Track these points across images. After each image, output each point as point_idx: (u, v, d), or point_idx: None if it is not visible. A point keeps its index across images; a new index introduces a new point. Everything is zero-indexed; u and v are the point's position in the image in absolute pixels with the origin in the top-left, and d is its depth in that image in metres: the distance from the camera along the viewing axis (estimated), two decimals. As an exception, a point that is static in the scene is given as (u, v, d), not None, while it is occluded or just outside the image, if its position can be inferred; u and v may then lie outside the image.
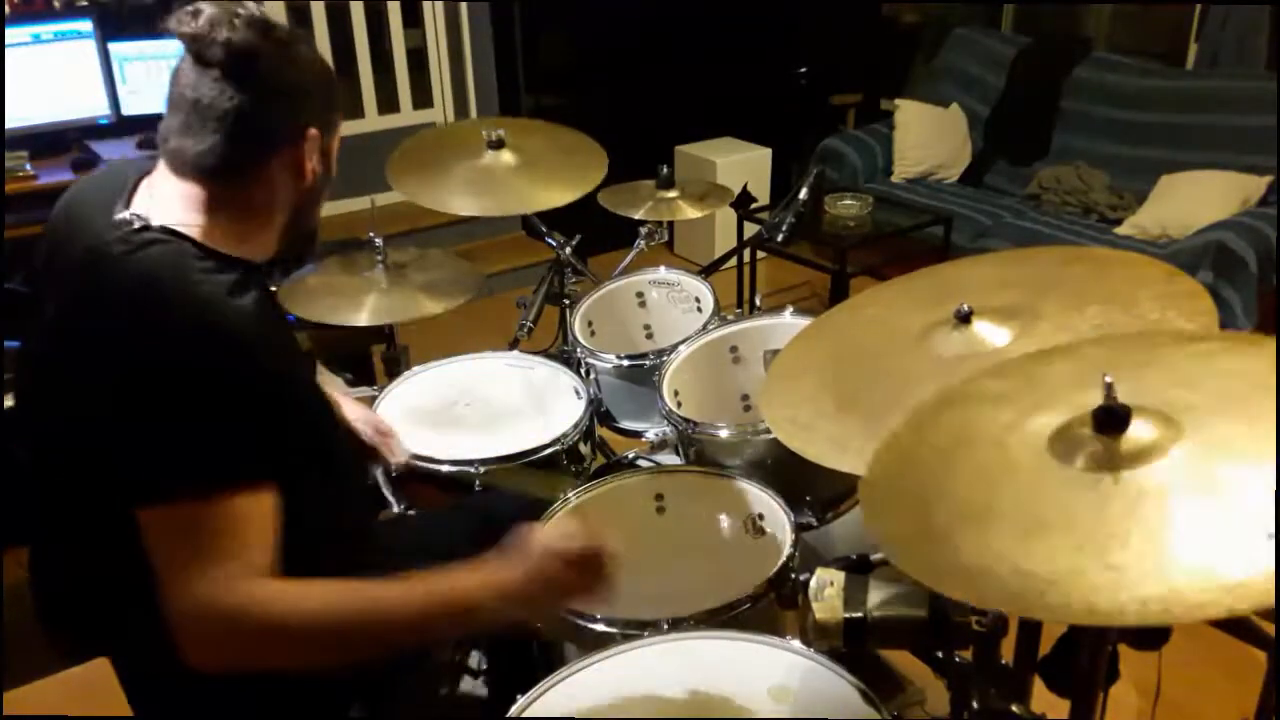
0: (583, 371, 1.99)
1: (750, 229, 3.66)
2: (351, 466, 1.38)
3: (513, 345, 2.14)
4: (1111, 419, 0.84)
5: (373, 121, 4.32)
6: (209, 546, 1.03)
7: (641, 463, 1.88)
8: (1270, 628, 1.43)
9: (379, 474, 1.74)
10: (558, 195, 2.00)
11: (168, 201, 1.16)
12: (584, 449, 1.82)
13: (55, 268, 1.20)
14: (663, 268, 2.24)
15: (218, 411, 1.06)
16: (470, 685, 1.78)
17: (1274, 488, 0.74)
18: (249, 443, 1.07)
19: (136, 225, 1.13)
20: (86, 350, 1.10)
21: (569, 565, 1.12)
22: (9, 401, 1.74)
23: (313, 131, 1.19)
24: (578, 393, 1.89)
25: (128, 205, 1.16)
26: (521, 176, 2.05)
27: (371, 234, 1.96)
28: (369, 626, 1.09)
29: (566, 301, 2.24)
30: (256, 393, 1.08)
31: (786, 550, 1.40)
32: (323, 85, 1.21)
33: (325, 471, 1.25)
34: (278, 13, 4.00)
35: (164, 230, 1.14)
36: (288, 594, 1.06)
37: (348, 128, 4.44)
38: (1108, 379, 0.84)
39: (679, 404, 1.81)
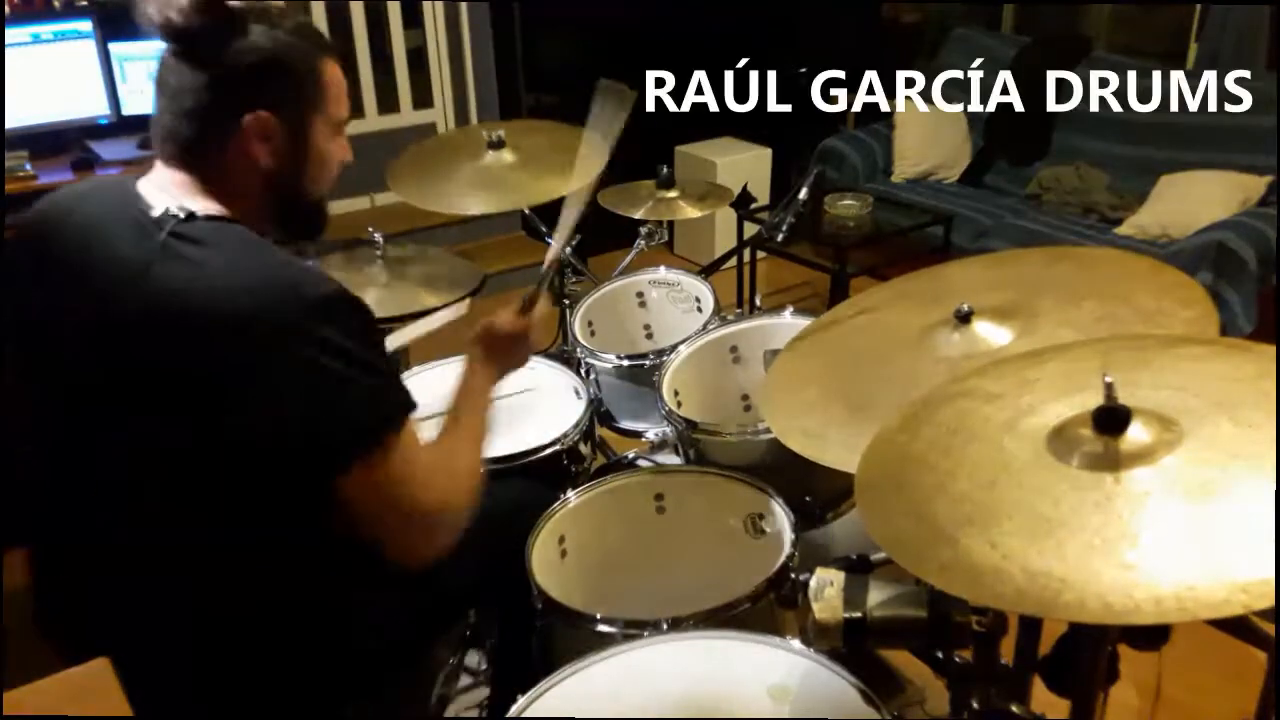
0: (583, 371, 1.99)
1: (750, 229, 3.65)
2: None
3: (513, 345, 2.14)
4: (1112, 419, 0.84)
5: (373, 121, 4.32)
6: (408, 482, 1.13)
7: (641, 463, 1.89)
8: (1270, 628, 1.43)
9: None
10: (559, 188, 2.00)
11: (178, 192, 1.15)
12: (584, 449, 1.82)
13: (68, 292, 1.16)
14: (663, 268, 2.24)
15: (366, 350, 1.11)
16: (470, 685, 1.78)
17: (1275, 489, 0.74)
18: (390, 370, 1.18)
19: (183, 215, 1.12)
20: (202, 339, 1.05)
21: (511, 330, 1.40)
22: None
23: (253, 117, 1.14)
24: (578, 393, 1.88)
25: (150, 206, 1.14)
26: (522, 172, 2.05)
27: (371, 228, 1.97)
28: (478, 446, 1.31)
29: (566, 301, 2.24)
30: (376, 330, 1.18)
31: (786, 550, 1.40)
32: (277, 67, 1.16)
33: None
34: (278, 13, 3.99)
35: (209, 218, 1.13)
36: (443, 465, 1.21)
37: (348, 127, 4.47)
38: (1108, 379, 0.84)
39: (679, 404, 1.81)
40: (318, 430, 1.08)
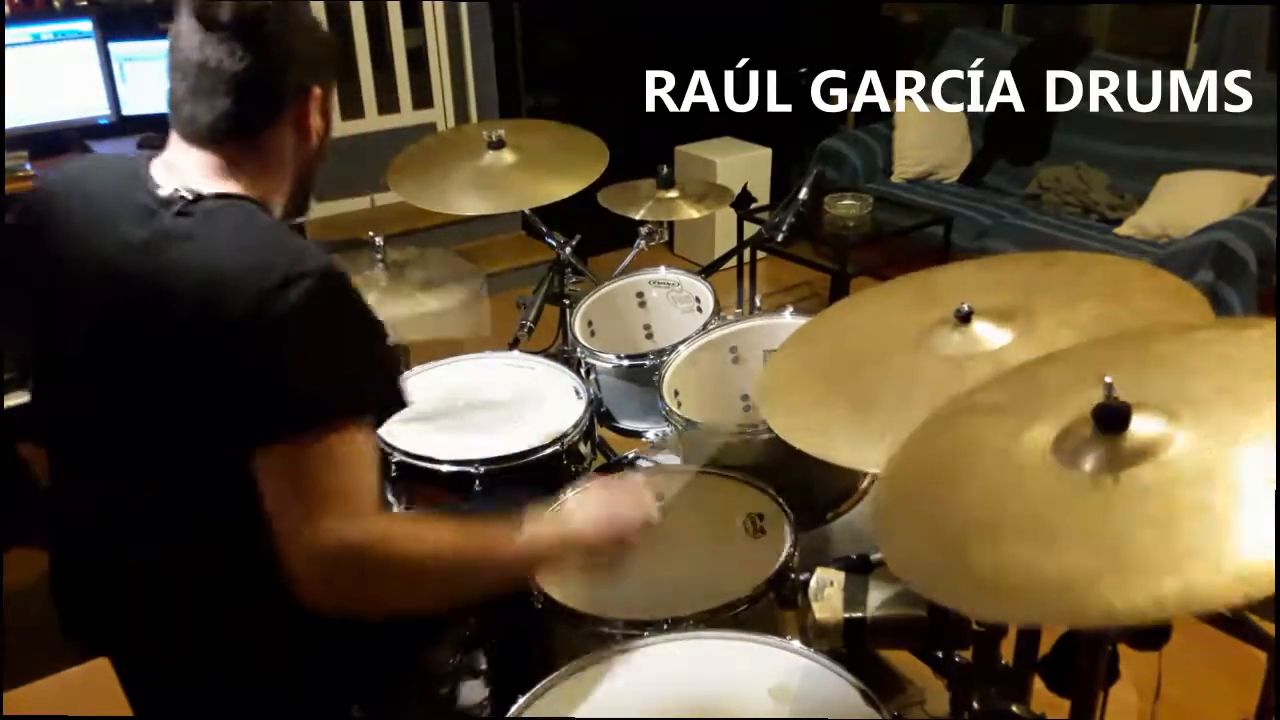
0: (583, 371, 1.99)
1: (750, 229, 3.66)
2: None
3: (513, 345, 2.14)
4: (1112, 418, 0.84)
5: (373, 121, 4.32)
6: (333, 483, 1.03)
7: (641, 463, 1.89)
8: (1270, 628, 1.43)
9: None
10: (559, 188, 2.00)
11: (194, 173, 1.15)
12: (584, 449, 1.82)
13: (70, 267, 1.16)
14: (663, 268, 2.24)
15: (350, 342, 1.10)
16: (470, 685, 1.78)
17: (1275, 476, 0.74)
18: (373, 375, 1.12)
19: (191, 197, 1.12)
20: (194, 308, 1.05)
21: (622, 527, 1.22)
22: (9, 401, 1.74)
23: (317, 90, 1.21)
24: (578, 393, 1.88)
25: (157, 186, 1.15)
26: (522, 172, 2.05)
27: (371, 233, 1.97)
28: (471, 568, 1.14)
29: (566, 301, 2.24)
30: (376, 326, 1.14)
31: (786, 550, 1.40)
32: (323, 43, 1.23)
33: None
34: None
35: (218, 196, 1.13)
36: (404, 530, 1.12)
37: (348, 127, 4.48)
38: (1107, 379, 0.84)
39: (679, 404, 1.81)
40: (253, 393, 1.04)
